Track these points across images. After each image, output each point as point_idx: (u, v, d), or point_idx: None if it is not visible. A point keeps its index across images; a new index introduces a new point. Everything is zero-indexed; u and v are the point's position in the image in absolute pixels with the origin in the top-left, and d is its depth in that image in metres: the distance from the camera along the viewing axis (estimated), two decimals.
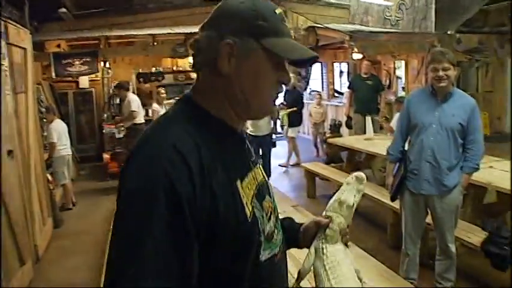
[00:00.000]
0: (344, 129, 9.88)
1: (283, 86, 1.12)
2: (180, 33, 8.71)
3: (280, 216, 1.25)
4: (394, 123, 6.05)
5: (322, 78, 13.50)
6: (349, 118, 8.57)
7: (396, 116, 6.27)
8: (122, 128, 8.28)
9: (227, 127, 1.08)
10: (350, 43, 9.32)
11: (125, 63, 10.52)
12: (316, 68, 12.83)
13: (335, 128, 10.78)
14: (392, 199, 3.65)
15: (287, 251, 1.24)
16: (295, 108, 8.90)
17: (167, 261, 0.86)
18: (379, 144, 5.93)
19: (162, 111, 8.11)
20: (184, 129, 0.98)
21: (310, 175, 6.49)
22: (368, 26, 6.83)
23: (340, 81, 13.39)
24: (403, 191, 3.52)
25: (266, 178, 1.19)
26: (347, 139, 7.67)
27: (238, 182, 1.02)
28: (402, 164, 3.49)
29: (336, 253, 1.26)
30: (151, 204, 0.87)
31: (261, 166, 1.20)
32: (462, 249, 3.88)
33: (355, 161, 7.05)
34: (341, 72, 13.29)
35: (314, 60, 1.10)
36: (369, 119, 6.97)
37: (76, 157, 8.28)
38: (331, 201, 1.32)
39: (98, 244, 4.98)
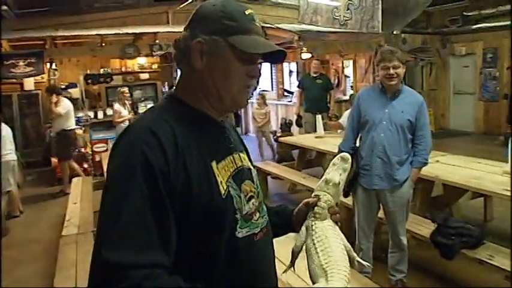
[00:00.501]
0: (295, 128, 9.95)
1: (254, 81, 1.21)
2: (128, 33, 8.54)
3: None
4: (343, 120, 6.17)
5: (271, 78, 13.61)
6: (299, 117, 8.66)
7: (346, 113, 6.40)
8: (52, 134, 7.96)
9: (207, 117, 1.19)
10: (299, 43, 9.45)
11: (72, 64, 10.18)
12: (265, 68, 12.91)
13: (286, 127, 10.81)
14: (345, 195, 3.71)
15: None
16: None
17: (146, 230, 0.95)
18: (329, 142, 6.04)
19: (125, 111, 7.92)
20: (161, 117, 1.11)
21: (262, 174, 6.53)
22: (317, 26, 6.92)
23: (290, 80, 13.52)
24: (355, 187, 3.60)
25: (251, 166, 1.30)
26: (298, 138, 7.76)
27: (214, 163, 1.13)
28: (354, 161, 3.56)
29: (324, 228, 1.32)
30: (130, 178, 0.98)
31: (247, 155, 1.31)
32: (413, 241, 4.01)
33: (306, 159, 7.16)
34: (290, 71, 13.43)
35: (283, 56, 1.23)
36: (319, 117, 7.08)
37: (22, 162, 7.94)
38: (319, 182, 1.40)
39: (48, 252, 4.79)
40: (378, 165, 3.41)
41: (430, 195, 4.78)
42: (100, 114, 9.58)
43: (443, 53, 11.83)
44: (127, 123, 7.43)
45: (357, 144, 3.64)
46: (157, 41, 8.59)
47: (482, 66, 11.04)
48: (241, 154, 1.25)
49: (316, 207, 1.34)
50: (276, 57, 1.23)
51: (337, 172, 1.39)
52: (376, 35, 7.62)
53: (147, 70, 11.02)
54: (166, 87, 10.65)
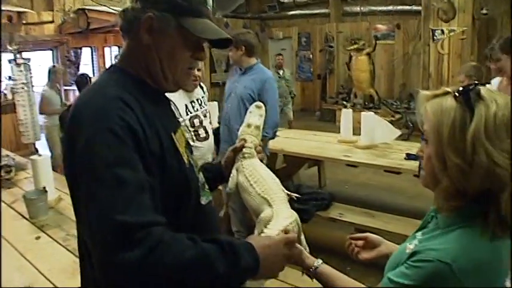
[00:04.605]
0: None
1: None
2: None
3: None
4: None
5: (92, 64, 12.87)
6: None
7: None
8: None
9: (153, 89, 1.17)
10: None
11: None
12: (86, 53, 12.17)
13: None
14: None
15: None
16: None
17: (147, 191, 0.95)
18: None
19: None
20: (120, 87, 1.08)
21: None
22: None
23: None
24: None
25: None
26: None
27: (173, 134, 1.14)
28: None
29: (253, 164, 1.49)
30: (116, 141, 0.95)
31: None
32: None
33: None
34: (116, 56, 12.88)
35: (230, 43, 1.25)
36: None
37: None
38: (241, 128, 1.59)
39: None
40: (225, 132, 3.73)
41: (275, 167, 5.13)
42: None
43: (262, 36, 12.59)
44: None
45: None
46: None
47: (298, 49, 12.07)
48: (182, 128, 1.27)
49: (244, 148, 1.51)
50: (223, 43, 1.25)
51: (256, 117, 1.60)
52: None
53: None
54: None
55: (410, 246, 1.13)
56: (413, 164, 3.57)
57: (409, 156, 3.75)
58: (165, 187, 1.04)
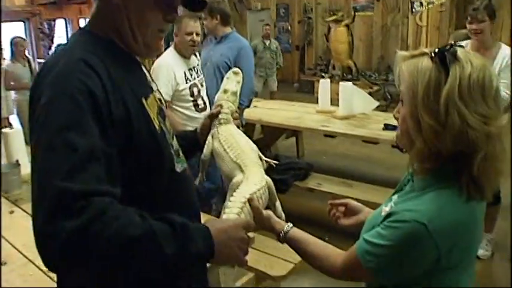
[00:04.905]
0: None
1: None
2: None
3: None
4: None
5: (67, 36, 12.54)
6: None
7: None
8: None
9: (126, 52, 1.13)
10: None
11: None
12: (60, 25, 11.84)
13: None
14: None
15: None
16: None
17: (100, 160, 0.89)
18: None
19: None
20: (87, 50, 1.02)
21: None
22: None
23: None
24: None
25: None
26: None
27: (143, 99, 1.09)
28: None
29: (228, 129, 1.47)
30: (73, 107, 0.90)
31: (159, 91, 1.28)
32: None
33: None
34: None
35: (204, 5, 1.22)
36: None
37: None
38: (217, 94, 1.57)
39: None
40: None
41: (252, 138, 5.11)
42: None
43: (240, 7, 12.39)
44: None
45: None
46: None
47: (276, 20, 11.93)
48: (155, 93, 1.22)
49: (220, 114, 1.50)
50: (197, 5, 1.21)
51: (233, 83, 1.58)
52: None
53: None
54: None
55: (386, 208, 1.14)
56: (391, 135, 3.59)
57: (387, 127, 3.78)
58: (133, 154, 1.01)
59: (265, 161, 1.51)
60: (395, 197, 1.20)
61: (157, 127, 1.10)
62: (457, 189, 1.03)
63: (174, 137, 1.25)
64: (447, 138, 0.98)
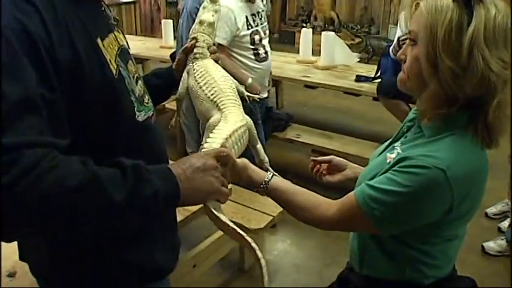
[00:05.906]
0: None
1: None
2: None
3: None
4: None
5: None
6: None
7: None
8: None
9: None
10: None
11: None
12: None
13: None
14: None
15: None
16: None
17: (38, 108, 0.78)
18: None
19: None
20: None
21: None
22: None
23: None
24: None
25: (128, 45, 1.15)
26: None
27: (99, 40, 0.97)
28: None
29: (204, 65, 1.34)
30: (7, 51, 0.77)
31: (122, 32, 1.16)
32: None
33: None
34: None
35: None
36: None
37: None
38: (192, 26, 1.44)
39: None
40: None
41: None
42: None
43: None
44: None
45: None
46: None
47: None
48: (118, 33, 1.09)
49: (195, 48, 1.37)
50: None
51: (209, 13, 1.43)
52: None
53: None
54: None
55: (391, 155, 1.09)
56: (373, 87, 3.52)
57: (360, 78, 3.70)
58: (85, 101, 0.90)
59: (247, 95, 1.40)
60: (397, 144, 1.15)
61: (114, 71, 0.98)
62: (471, 136, 1.00)
63: (139, 81, 1.13)
64: (467, 82, 0.94)
